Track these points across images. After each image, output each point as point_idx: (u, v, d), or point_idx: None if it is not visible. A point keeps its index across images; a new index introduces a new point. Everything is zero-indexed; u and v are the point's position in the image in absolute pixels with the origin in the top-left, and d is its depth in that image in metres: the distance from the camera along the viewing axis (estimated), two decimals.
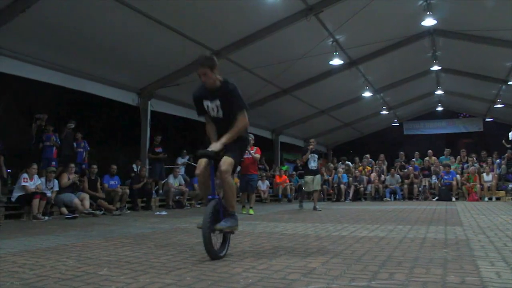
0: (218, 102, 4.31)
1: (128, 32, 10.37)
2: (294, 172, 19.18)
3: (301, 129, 22.38)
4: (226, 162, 4.08)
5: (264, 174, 17.39)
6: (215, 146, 4.13)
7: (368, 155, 20.13)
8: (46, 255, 4.25)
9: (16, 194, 9.07)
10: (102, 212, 10.15)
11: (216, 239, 4.09)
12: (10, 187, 9.54)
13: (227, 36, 11.78)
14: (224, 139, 4.16)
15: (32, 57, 10.11)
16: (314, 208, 11.14)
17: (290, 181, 17.88)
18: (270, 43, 12.12)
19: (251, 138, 10.67)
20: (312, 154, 11.52)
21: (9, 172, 10.58)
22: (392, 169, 18.28)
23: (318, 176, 11.65)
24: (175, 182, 13.41)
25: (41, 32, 9.46)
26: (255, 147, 10.68)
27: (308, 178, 11.50)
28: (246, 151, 10.45)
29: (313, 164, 11.49)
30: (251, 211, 10.29)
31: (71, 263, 3.81)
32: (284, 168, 19.20)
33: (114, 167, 11.77)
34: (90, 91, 12.27)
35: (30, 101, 16.73)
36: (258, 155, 10.68)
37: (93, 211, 9.73)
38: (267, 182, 17.06)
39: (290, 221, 8.25)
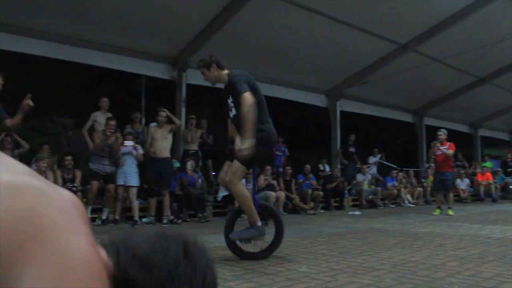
0: (231, 98, 4.11)
1: (313, 35, 10.60)
2: (499, 169, 17.25)
3: (505, 120, 19.99)
4: (231, 170, 3.89)
5: (462, 171, 16.04)
6: (237, 144, 3.94)
7: None
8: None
9: (221, 194, 10.02)
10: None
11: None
12: (216, 187, 10.56)
13: (413, 27, 11.19)
14: (244, 135, 3.84)
15: (227, 69, 11.09)
16: None
17: (494, 179, 16.13)
18: (461, 29, 11.10)
19: (443, 133, 9.95)
20: None
21: (214, 174, 11.73)
22: None
23: None
24: (366, 181, 13.26)
25: (235, 45, 10.31)
26: (448, 143, 9.86)
27: None
28: (437, 148, 9.78)
29: None
30: (450, 212, 9.54)
31: (273, 258, 4.05)
32: (486, 164, 17.41)
33: (308, 167, 12.16)
34: (282, 96, 12.91)
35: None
36: (451, 151, 9.81)
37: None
38: (466, 180, 15.69)
39: (496, 223, 7.43)
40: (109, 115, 9.01)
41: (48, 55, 8.96)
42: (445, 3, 10.34)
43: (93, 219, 7.83)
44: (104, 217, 7.94)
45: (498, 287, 2.81)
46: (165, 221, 7.96)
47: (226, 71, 4.24)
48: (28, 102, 4.66)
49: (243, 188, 3.98)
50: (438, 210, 9.70)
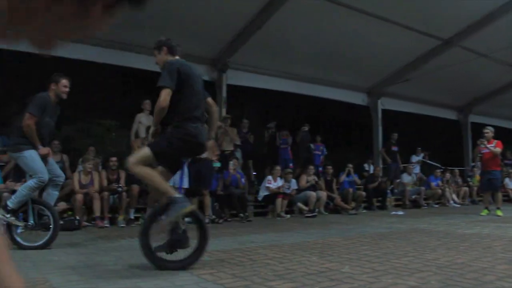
0: None
1: (354, 34, 10.48)
2: None
3: None
4: (136, 153, 3.90)
5: (511, 170, 15.45)
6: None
7: None
8: (292, 250, 4.58)
9: (262, 193, 10.06)
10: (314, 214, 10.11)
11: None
12: (257, 187, 10.61)
13: (457, 22, 10.88)
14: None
15: (267, 69, 11.16)
16: None
17: None
18: (509, 22, 10.69)
19: (489, 130, 9.62)
20: None
21: (255, 174, 11.78)
22: None
23: None
24: (409, 180, 12.99)
25: (274, 45, 10.33)
26: (495, 140, 9.51)
27: None
28: (483, 146, 9.47)
29: None
30: (499, 212, 9.21)
31: (314, 259, 4.03)
32: None
33: (350, 165, 12.03)
34: (322, 95, 12.86)
35: (267, 108, 18.39)
36: (498, 149, 9.45)
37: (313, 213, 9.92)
38: None
39: None
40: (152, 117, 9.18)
41: (91, 59, 9.26)
42: None
43: (136, 219, 8.04)
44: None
45: None
46: (207, 221, 8.03)
47: (170, 58, 4.07)
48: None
49: (143, 167, 3.60)
50: (485, 211, 9.40)
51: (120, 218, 7.80)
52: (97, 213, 7.53)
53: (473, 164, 14.72)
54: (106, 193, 7.78)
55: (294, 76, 11.83)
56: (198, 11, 8.90)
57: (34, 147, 4.83)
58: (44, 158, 4.89)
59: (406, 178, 13.08)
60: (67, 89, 5.08)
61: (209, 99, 4.20)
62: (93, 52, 8.99)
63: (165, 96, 3.66)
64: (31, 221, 4.79)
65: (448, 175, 13.97)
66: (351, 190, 11.29)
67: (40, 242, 4.73)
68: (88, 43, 8.86)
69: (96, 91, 17.10)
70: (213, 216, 8.31)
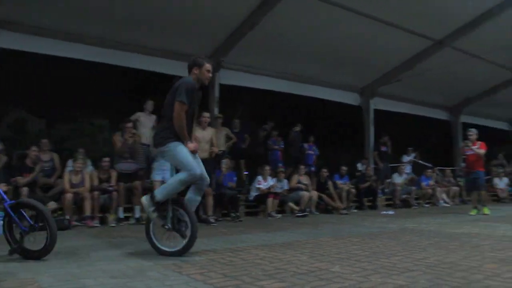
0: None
1: (347, 34, 10.52)
2: None
3: None
4: None
5: (501, 170, 15.57)
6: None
7: None
8: (283, 249, 4.59)
9: (253, 193, 10.06)
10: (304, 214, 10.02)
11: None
12: (248, 187, 10.59)
13: (449, 23, 10.96)
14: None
15: (260, 69, 11.14)
16: None
17: None
18: (501, 23, 10.77)
19: (473, 132, 9.78)
20: None
21: (246, 174, 11.76)
22: None
23: None
24: (400, 180, 13.05)
25: (267, 45, 10.33)
26: (479, 142, 9.69)
27: None
28: (468, 147, 9.63)
29: None
30: (486, 210, 9.41)
31: (304, 258, 4.04)
32: None
33: (344, 168, 12.03)
34: (315, 95, 12.87)
35: (260, 108, 18.40)
36: (483, 151, 9.64)
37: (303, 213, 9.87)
38: (505, 180, 15.23)
39: None
40: (154, 117, 9.22)
41: (86, 58, 9.21)
42: None
43: (126, 218, 8.01)
44: (137, 215, 8.09)
45: None
46: (212, 220, 7.96)
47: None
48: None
49: None
50: (475, 210, 9.56)
51: (111, 217, 7.77)
52: (88, 212, 7.50)
53: (463, 164, 14.84)
54: (96, 193, 7.75)
55: (288, 76, 11.84)
56: (192, 11, 8.90)
57: (181, 140, 4.34)
58: (192, 153, 4.39)
59: (397, 178, 13.13)
60: (210, 75, 4.57)
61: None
62: (88, 51, 8.97)
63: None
64: (168, 224, 4.34)
65: (437, 174, 14.05)
66: (345, 187, 11.28)
67: (176, 249, 4.28)
68: (83, 42, 8.85)
69: (90, 91, 17.06)
70: (205, 216, 8.24)
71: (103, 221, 7.83)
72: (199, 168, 4.31)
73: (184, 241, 4.24)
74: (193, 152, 4.37)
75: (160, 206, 4.31)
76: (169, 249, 4.30)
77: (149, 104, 9.31)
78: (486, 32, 11.08)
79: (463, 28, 11.09)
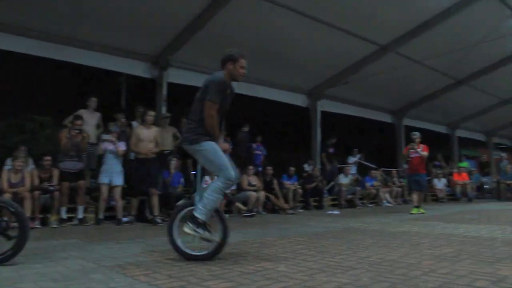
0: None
1: (296, 36, 10.63)
2: (475, 169, 17.68)
3: (481, 121, 20.39)
4: None
5: (440, 171, 16.29)
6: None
7: None
8: (229, 249, 4.55)
9: None
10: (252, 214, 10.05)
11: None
12: (195, 187, 10.46)
13: (394, 29, 11.33)
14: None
15: (209, 68, 11.04)
16: None
17: (470, 179, 16.44)
18: (441, 31, 11.26)
19: (417, 136, 10.21)
20: None
21: (194, 173, 11.63)
22: None
23: None
24: (346, 181, 13.38)
25: (216, 45, 10.22)
26: (422, 145, 10.14)
27: None
28: (413, 150, 10.05)
29: None
30: (421, 210, 9.95)
31: (251, 258, 4.07)
32: (462, 164, 17.75)
33: (292, 169, 12.17)
34: (264, 96, 12.92)
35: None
36: (426, 153, 10.12)
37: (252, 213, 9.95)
38: (443, 180, 15.95)
39: (471, 222, 7.57)
40: (98, 114, 8.95)
41: (29, 52, 8.81)
42: (425, 6, 10.48)
43: (69, 219, 7.76)
44: (80, 216, 7.85)
45: (471, 285, 2.87)
46: (158, 220, 7.84)
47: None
48: None
49: None
50: (416, 209, 9.93)
51: (52, 218, 7.50)
52: (28, 213, 7.19)
53: (406, 166, 15.41)
54: (37, 193, 7.46)
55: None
56: (141, 8, 8.71)
57: (214, 140, 4.11)
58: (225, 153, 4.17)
59: (342, 178, 13.44)
60: (244, 71, 4.34)
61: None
62: (30, 44, 8.55)
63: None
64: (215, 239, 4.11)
65: (381, 175, 14.52)
66: (292, 187, 11.42)
67: (203, 253, 4.06)
68: (26, 35, 8.44)
69: (31, 85, 16.37)
70: (156, 216, 8.09)
71: (44, 222, 7.55)
72: (234, 170, 4.06)
73: (215, 245, 4.06)
74: (225, 152, 4.19)
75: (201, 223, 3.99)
76: (197, 253, 4.06)
77: (93, 101, 9.06)
78: (427, 40, 11.55)
79: (406, 34, 11.48)
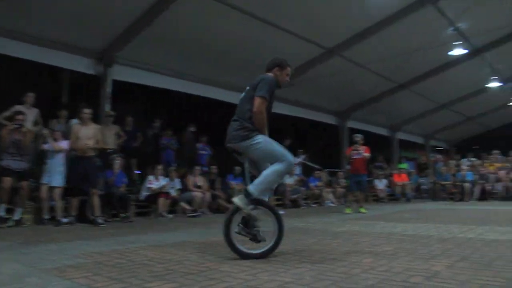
0: None
1: (243, 36, 10.65)
2: (413, 170, 18.45)
3: (420, 125, 21.31)
4: None
5: (381, 172, 16.85)
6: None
7: (497, 151, 18.33)
8: (172, 250, 4.54)
9: (144, 193, 9.82)
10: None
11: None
12: (139, 187, 10.30)
13: (339, 33, 11.61)
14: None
15: (155, 66, 10.90)
16: None
17: (409, 180, 17.13)
18: (384, 37, 11.67)
19: (360, 138, 10.53)
20: None
21: (138, 173, 11.42)
22: None
23: None
24: (290, 181, 13.54)
25: (164, 43, 10.12)
26: (364, 147, 10.49)
27: None
28: (356, 151, 10.35)
29: None
30: (363, 210, 10.30)
31: (194, 258, 4.03)
32: (402, 166, 18.47)
33: (238, 168, 12.17)
34: (210, 95, 12.82)
35: (151, 107, 17.99)
36: (367, 154, 10.50)
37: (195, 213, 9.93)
38: (384, 181, 16.51)
39: (410, 221, 7.90)
40: (35, 110, 8.58)
41: None
42: (370, 12, 10.75)
43: (5, 220, 7.38)
44: (16, 217, 7.48)
45: (407, 281, 2.99)
46: (100, 221, 7.62)
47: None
48: None
49: None
50: (349, 209, 10.40)
51: None
52: None
53: (348, 167, 15.82)
54: None
55: (183, 76, 11.64)
56: (86, 3, 8.43)
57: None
58: None
59: (287, 179, 13.59)
60: (288, 79, 4.54)
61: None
62: None
63: None
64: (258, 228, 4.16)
65: (326, 176, 14.84)
66: (237, 187, 11.42)
67: (260, 251, 4.08)
68: None
69: None
70: (97, 216, 7.84)
71: None
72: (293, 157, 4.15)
73: (271, 242, 4.13)
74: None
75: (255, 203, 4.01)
76: (250, 251, 4.08)
77: (30, 97, 8.65)
78: (371, 45, 11.93)
79: (350, 39, 11.79)
